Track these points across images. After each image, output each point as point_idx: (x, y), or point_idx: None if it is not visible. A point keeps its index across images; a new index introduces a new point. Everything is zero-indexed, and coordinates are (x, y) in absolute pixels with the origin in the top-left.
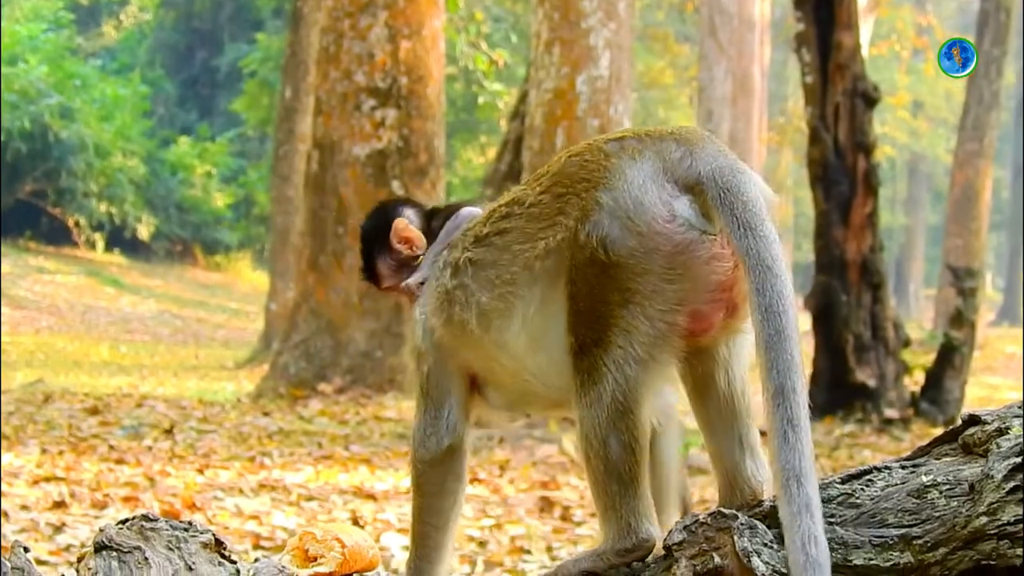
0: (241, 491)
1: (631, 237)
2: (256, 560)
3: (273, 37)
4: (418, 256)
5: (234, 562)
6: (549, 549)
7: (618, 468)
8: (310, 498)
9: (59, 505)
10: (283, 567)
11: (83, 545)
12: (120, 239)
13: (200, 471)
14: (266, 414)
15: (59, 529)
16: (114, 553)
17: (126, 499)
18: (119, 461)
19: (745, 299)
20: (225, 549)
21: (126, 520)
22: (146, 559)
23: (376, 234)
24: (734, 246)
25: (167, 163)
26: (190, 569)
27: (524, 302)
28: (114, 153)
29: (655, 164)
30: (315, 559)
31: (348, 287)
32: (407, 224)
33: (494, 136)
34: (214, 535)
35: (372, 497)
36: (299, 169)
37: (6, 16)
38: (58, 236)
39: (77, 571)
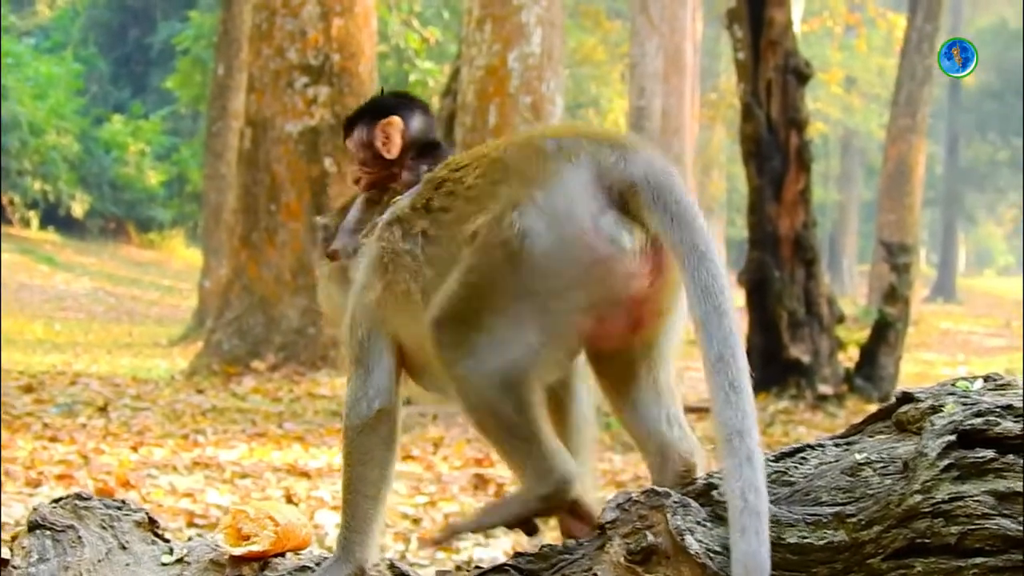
0: (175, 469)
1: (555, 240)
2: (190, 539)
3: (206, 15)
4: (383, 160)
5: (167, 540)
6: None
7: (513, 431)
8: (244, 476)
9: None
10: (216, 545)
11: (17, 524)
12: (54, 217)
13: (134, 449)
14: (200, 391)
15: None
16: (48, 532)
17: (60, 477)
18: (53, 439)
19: (654, 316)
20: (158, 528)
21: (60, 499)
22: (80, 538)
23: (377, 111)
24: (668, 239)
25: (101, 141)
26: (123, 548)
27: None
28: (48, 131)
29: (590, 170)
30: (248, 537)
31: (281, 264)
32: (401, 127)
33: None
34: (147, 514)
35: (306, 475)
36: (232, 146)
37: None
38: None
39: (11, 550)
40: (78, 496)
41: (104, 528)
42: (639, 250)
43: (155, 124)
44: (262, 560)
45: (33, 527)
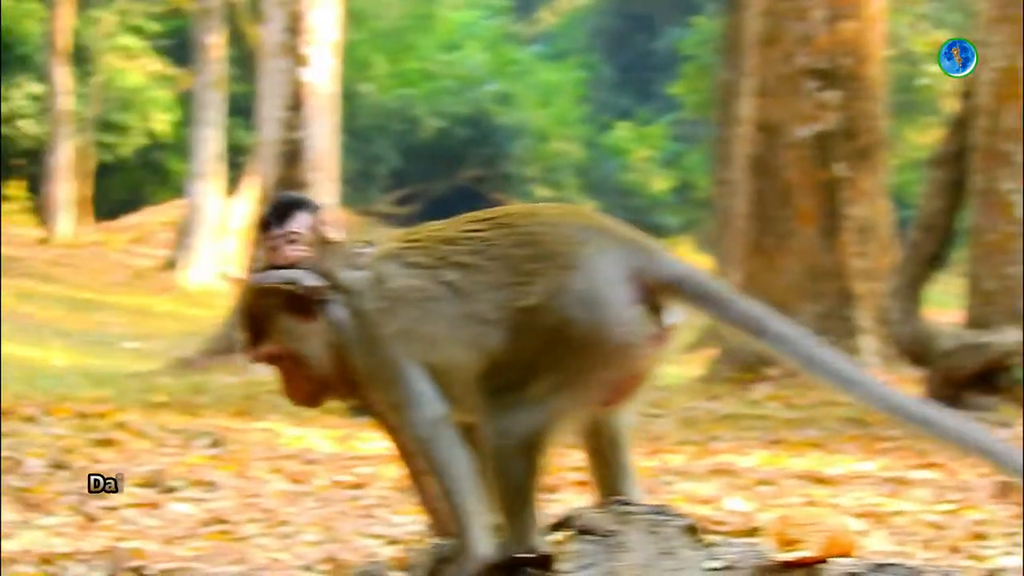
0: (692, 475)
1: (590, 325)
2: (732, 544)
3: (711, 20)
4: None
5: (710, 546)
6: (1009, 535)
7: (517, 488)
8: (761, 482)
9: None
10: (761, 550)
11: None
12: None
13: (651, 455)
14: (714, 398)
15: None
16: (593, 537)
17: (576, 484)
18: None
19: (641, 386)
20: (702, 534)
21: (603, 504)
22: (625, 543)
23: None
24: (727, 316)
25: (605, 147)
26: (668, 554)
27: (485, 336)
28: (553, 138)
29: (621, 265)
30: (794, 543)
31: (793, 269)
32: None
33: (934, 116)
34: (691, 520)
35: (825, 481)
36: (739, 152)
37: (444, 3)
38: None
39: (555, 554)
40: (621, 502)
41: (648, 533)
42: (651, 337)
43: (660, 130)
44: (809, 566)
45: (578, 532)
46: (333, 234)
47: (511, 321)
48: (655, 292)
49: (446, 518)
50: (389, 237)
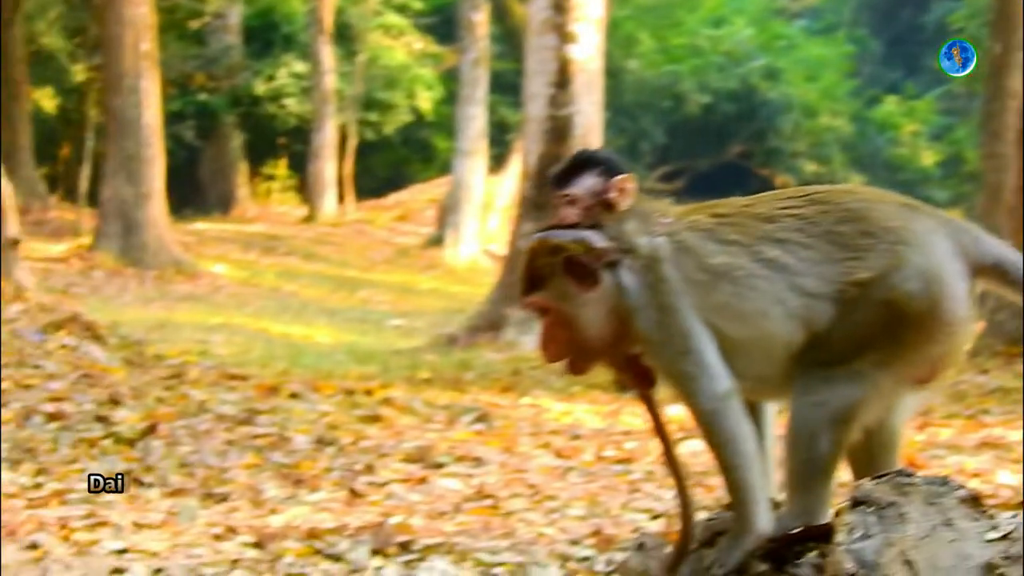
0: (962, 449)
1: (927, 300)
2: (1014, 516)
3: None
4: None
5: (992, 517)
6: None
7: (820, 462)
8: None
9: None
10: None
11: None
12: None
13: (919, 429)
14: (983, 372)
15: None
16: (871, 508)
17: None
18: None
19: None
20: (982, 505)
21: (881, 476)
22: (902, 515)
23: (610, 166)
24: None
25: (873, 122)
26: (948, 524)
27: (813, 310)
28: (820, 113)
29: (952, 243)
30: None
31: None
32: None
33: None
34: (971, 491)
35: None
36: (1010, 125)
37: None
38: None
39: (834, 525)
40: (900, 473)
41: (928, 504)
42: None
43: (929, 104)
44: None
45: (855, 504)
46: (624, 201)
47: (841, 295)
48: (975, 272)
49: (689, 505)
50: (681, 210)
